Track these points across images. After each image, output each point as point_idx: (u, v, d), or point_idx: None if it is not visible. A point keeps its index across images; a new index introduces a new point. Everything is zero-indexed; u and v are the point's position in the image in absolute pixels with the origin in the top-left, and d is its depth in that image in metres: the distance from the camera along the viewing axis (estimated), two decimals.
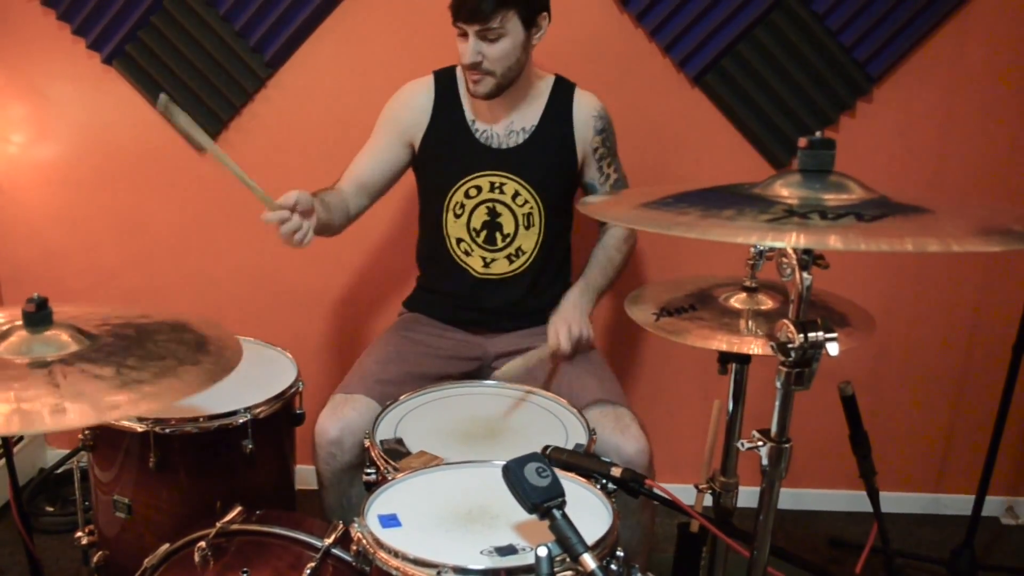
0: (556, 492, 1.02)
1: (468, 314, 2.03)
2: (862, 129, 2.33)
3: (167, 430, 1.63)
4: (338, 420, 1.76)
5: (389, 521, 1.21)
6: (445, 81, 1.97)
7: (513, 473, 1.03)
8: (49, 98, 2.39)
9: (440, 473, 1.41)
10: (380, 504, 1.28)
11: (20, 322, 1.15)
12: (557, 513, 1.01)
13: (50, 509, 2.50)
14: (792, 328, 0.98)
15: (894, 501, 2.63)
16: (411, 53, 2.24)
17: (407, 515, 1.25)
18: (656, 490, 1.24)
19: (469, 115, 1.95)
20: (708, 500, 1.46)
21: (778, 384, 1.03)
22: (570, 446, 1.55)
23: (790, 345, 0.99)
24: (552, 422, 1.65)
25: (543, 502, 1.02)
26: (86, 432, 1.71)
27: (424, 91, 1.97)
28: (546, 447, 1.35)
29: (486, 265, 1.98)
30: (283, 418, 1.81)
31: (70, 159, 2.45)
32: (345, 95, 2.34)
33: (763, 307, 1.39)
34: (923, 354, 2.53)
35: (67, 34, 2.31)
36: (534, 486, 1.02)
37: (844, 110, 2.32)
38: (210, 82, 2.32)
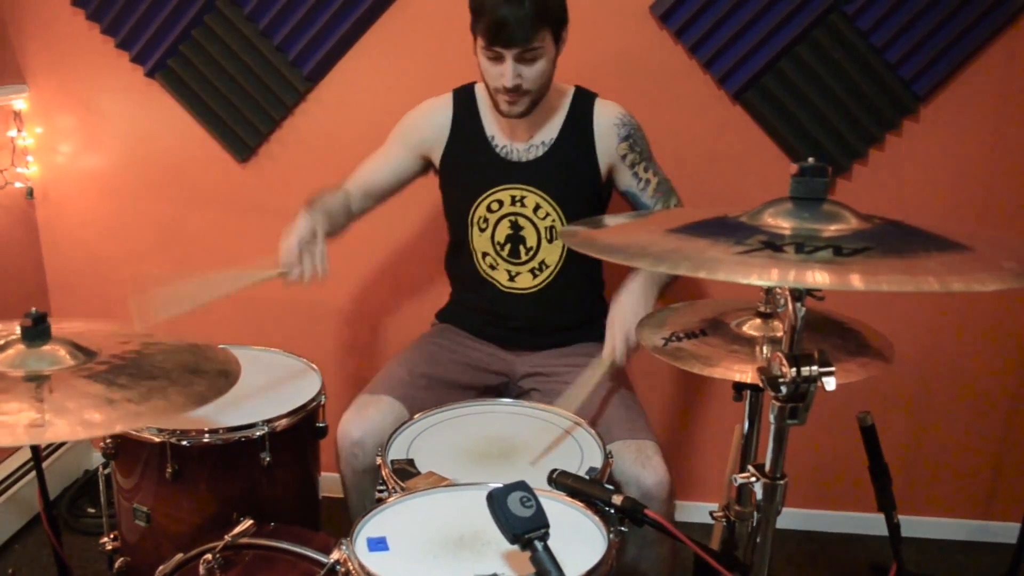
0: (539, 523, 1.00)
1: (495, 329, 2.02)
2: (908, 149, 2.25)
3: (184, 441, 1.64)
4: (361, 421, 1.76)
5: (377, 544, 1.19)
6: (464, 98, 1.96)
7: (496, 502, 1.00)
8: (94, 110, 2.46)
9: (439, 495, 1.38)
10: (372, 526, 1.26)
11: (16, 335, 1.16)
12: (539, 545, 0.98)
13: (91, 511, 2.56)
14: (784, 361, 0.94)
15: (940, 527, 2.56)
16: (448, 68, 2.23)
17: (397, 538, 1.23)
18: (656, 520, 1.20)
19: (488, 131, 1.94)
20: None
21: (771, 419, 0.99)
22: (583, 469, 1.51)
23: (781, 379, 0.94)
24: (568, 444, 1.62)
25: (524, 533, 0.99)
26: (107, 441, 1.73)
27: (443, 108, 1.96)
28: (553, 471, 1.32)
29: (511, 279, 1.97)
30: (304, 431, 1.81)
31: (114, 169, 2.51)
32: (383, 109, 2.33)
33: (779, 334, 1.33)
34: (972, 378, 2.43)
35: (111, 48, 2.37)
36: (516, 516, 0.99)
37: (889, 129, 2.24)
38: (250, 96, 2.36)
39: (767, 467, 1.02)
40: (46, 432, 0.95)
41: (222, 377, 1.16)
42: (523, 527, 0.99)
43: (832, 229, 0.99)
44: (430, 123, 1.97)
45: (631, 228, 1.21)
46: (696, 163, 2.31)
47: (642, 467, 1.68)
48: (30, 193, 2.50)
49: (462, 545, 1.22)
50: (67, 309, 2.66)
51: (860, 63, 2.18)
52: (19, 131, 2.43)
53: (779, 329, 1.34)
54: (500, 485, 1.04)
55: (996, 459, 2.51)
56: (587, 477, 1.34)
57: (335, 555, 1.20)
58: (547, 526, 1.00)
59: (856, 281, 0.84)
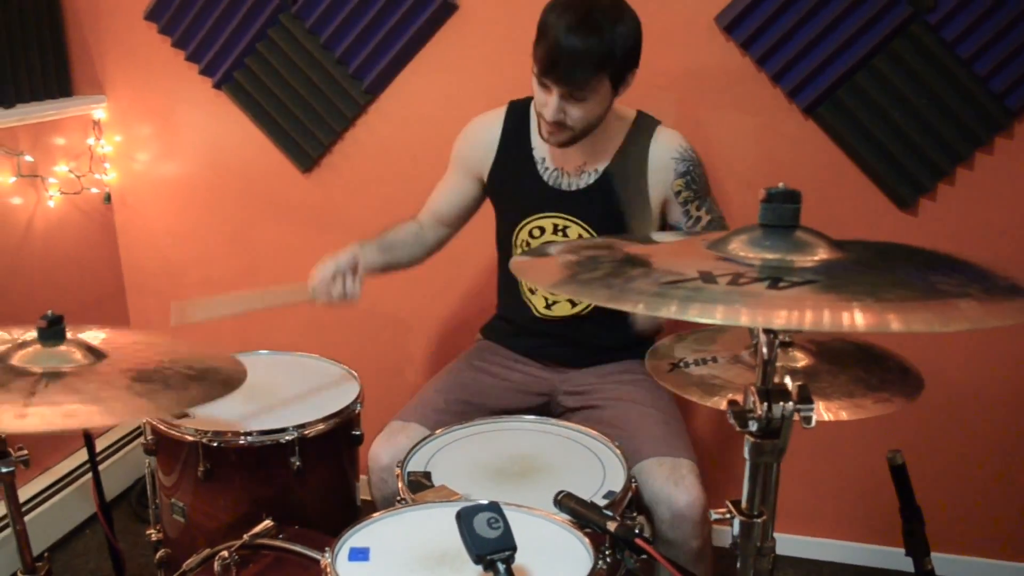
0: (504, 545, 0.96)
1: (536, 349, 1.97)
2: (1001, 167, 2.08)
3: (216, 443, 1.66)
4: (390, 448, 1.74)
5: (358, 555, 1.17)
6: (518, 113, 1.90)
7: (463, 521, 0.97)
8: (168, 120, 2.55)
9: (433, 510, 1.35)
10: (360, 536, 1.24)
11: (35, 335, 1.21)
12: (501, 567, 0.94)
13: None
14: (756, 396, 0.85)
15: (985, 568, 2.37)
16: (506, 82, 2.20)
17: (380, 551, 1.21)
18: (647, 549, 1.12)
19: (538, 152, 1.87)
20: None
21: (746, 454, 0.90)
22: (603, 491, 1.46)
23: (750, 415, 0.86)
24: (592, 464, 1.56)
25: (487, 554, 0.96)
26: (149, 438, 1.77)
27: (493, 125, 1.91)
28: (559, 492, 1.28)
29: (548, 307, 1.92)
30: (340, 437, 1.81)
31: (186, 177, 2.59)
32: (442, 122, 2.32)
33: (798, 364, 1.24)
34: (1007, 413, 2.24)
35: (181, 60, 2.45)
36: (481, 537, 0.96)
37: (979, 146, 2.08)
38: (312, 108, 2.39)
39: (743, 503, 0.93)
40: (27, 423, 0.97)
41: (215, 388, 1.16)
42: (487, 548, 0.97)
43: (790, 258, 0.94)
44: (478, 142, 1.94)
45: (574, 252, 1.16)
46: (765, 182, 2.16)
47: (675, 486, 1.60)
48: (107, 198, 2.61)
49: (443, 562, 1.19)
50: (143, 309, 2.76)
51: (945, 76, 2.03)
52: (98, 139, 2.54)
53: (797, 359, 1.25)
54: (472, 503, 1.00)
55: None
56: (590, 501, 1.28)
57: (322, 562, 1.18)
58: (513, 548, 0.97)
59: (778, 319, 0.79)
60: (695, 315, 0.81)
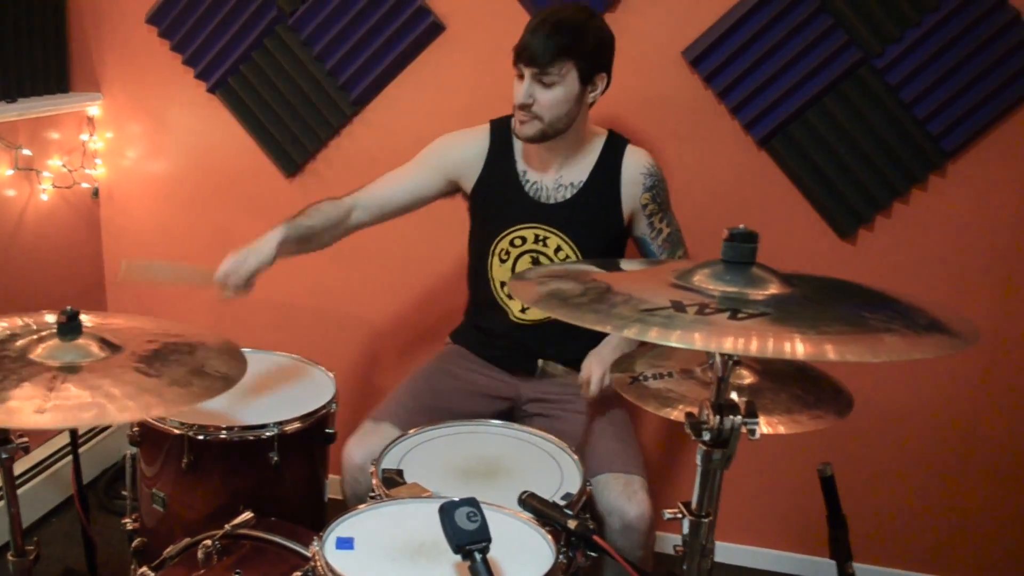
0: (481, 537, 1.08)
1: (503, 354, 2.10)
2: (934, 204, 2.26)
3: (201, 436, 1.77)
4: (363, 448, 1.86)
5: (344, 544, 1.30)
6: (501, 131, 2.04)
7: (446, 514, 1.10)
8: (160, 120, 2.65)
9: (413, 505, 1.47)
10: (346, 527, 1.37)
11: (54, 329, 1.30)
12: (477, 556, 1.07)
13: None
14: (710, 410, 1.00)
15: None
16: (489, 101, 2.33)
17: (364, 540, 1.34)
18: (603, 547, 1.27)
19: (520, 166, 2.01)
20: None
21: (698, 461, 1.05)
22: (561, 492, 1.60)
23: (705, 426, 1.01)
24: (551, 467, 1.70)
25: (466, 544, 1.08)
26: (135, 429, 1.87)
27: (480, 139, 2.04)
28: (523, 492, 1.41)
29: (523, 310, 2.05)
30: (314, 435, 1.92)
31: (174, 176, 2.69)
32: (425, 136, 2.42)
33: (744, 381, 1.39)
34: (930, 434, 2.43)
35: (178, 63, 2.56)
36: (461, 528, 1.08)
37: (915, 183, 2.25)
38: (300, 115, 2.51)
39: (693, 505, 1.08)
40: (45, 419, 1.08)
41: (218, 382, 1.27)
42: (466, 539, 1.08)
43: (750, 292, 1.06)
44: (466, 152, 2.05)
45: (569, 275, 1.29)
46: (720, 207, 2.37)
47: (627, 500, 1.75)
48: (95, 193, 2.71)
49: (421, 552, 1.32)
50: (122, 303, 2.86)
51: (888, 117, 2.20)
52: (91, 135, 2.63)
53: (743, 376, 1.40)
54: (455, 499, 1.13)
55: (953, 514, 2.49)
56: (552, 501, 1.42)
57: (311, 550, 1.31)
58: (488, 540, 1.09)
59: (727, 344, 0.92)
60: (675, 341, 0.94)
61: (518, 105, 1.87)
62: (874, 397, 2.36)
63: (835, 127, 2.24)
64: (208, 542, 1.54)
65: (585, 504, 1.62)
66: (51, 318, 1.36)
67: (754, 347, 0.93)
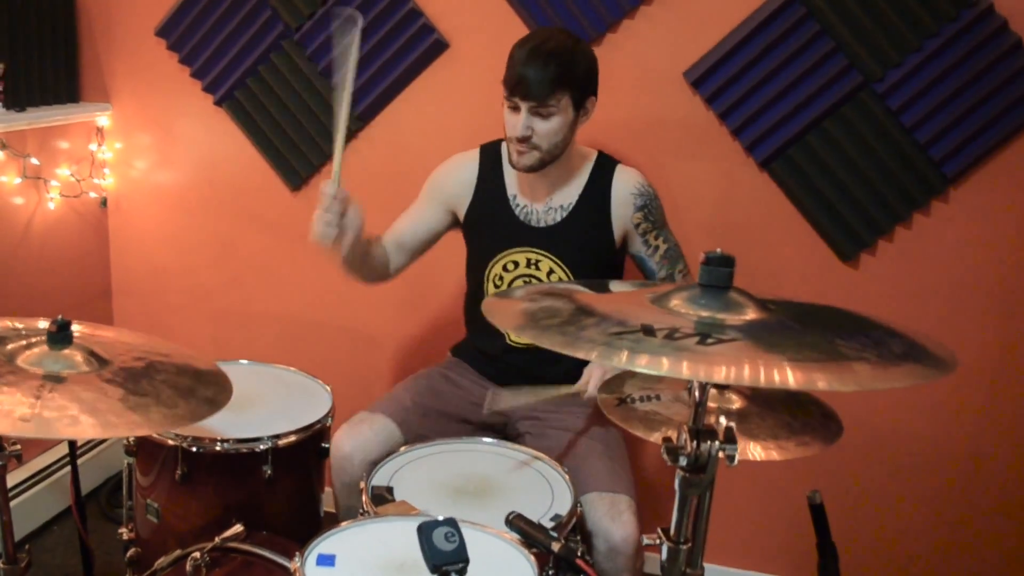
0: (459, 558, 1.09)
1: (499, 373, 2.11)
2: (936, 228, 2.25)
3: (195, 448, 1.79)
4: (352, 436, 1.87)
5: (325, 561, 1.31)
6: (491, 155, 2.06)
7: (424, 534, 1.10)
8: (168, 131, 2.68)
9: (397, 523, 1.47)
10: (328, 543, 1.38)
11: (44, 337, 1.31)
12: None
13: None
14: (687, 435, 1.00)
15: None
16: (492, 118, 2.34)
17: (346, 558, 1.34)
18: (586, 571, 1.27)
19: (511, 190, 2.03)
20: None
21: (676, 486, 1.05)
22: (551, 514, 1.60)
23: (682, 451, 1.01)
24: (542, 488, 1.70)
25: (442, 564, 1.08)
26: (130, 440, 1.89)
27: (469, 165, 2.07)
28: (510, 513, 1.41)
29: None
30: (309, 449, 1.94)
31: (181, 187, 2.72)
32: (427, 152, 2.47)
33: (732, 406, 1.39)
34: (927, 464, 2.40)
35: (187, 76, 2.59)
36: (439, 549, 1.09)
37: (916, 208, 2.25)
38: (305, 130, 2.54)
39: (672, 531, 1.08)
40: (28, 426, 1.09)
41: (203, 407, 1.28)
42: (442, 559, 1.09)
43: (724, 317, 1.06)
44: (458, 178, 2.08)
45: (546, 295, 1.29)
46: (721, 228, 2.37)
47: (612, 521, 1.73)
48: (104, 203, 2.74)
49: (402, 571, 1.32)
50: (128, 312, 2.89)
51: (889, 141, 2.20)
52: (99, 145, 2.67)
53: (732, 401, 1.40)
54: (435, 518, 1.14)
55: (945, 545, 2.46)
56: (538, 523, 1.42)
57: (292, 565, 1.31)
58: (466, 561, 1.09)
59: (684, 369, 0.92)
60: (642, 366, 0.94)
61: (517, 138, 1.87)
62: (869, 421, 2.35)
63: (836, 150, 2.24)
64: (197, 555, 1.55)
65: (575, 526, 1.62)
66: (43, 324, 1.37)
67: (721, 375, 0.93)
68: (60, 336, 1.29)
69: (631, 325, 1.02)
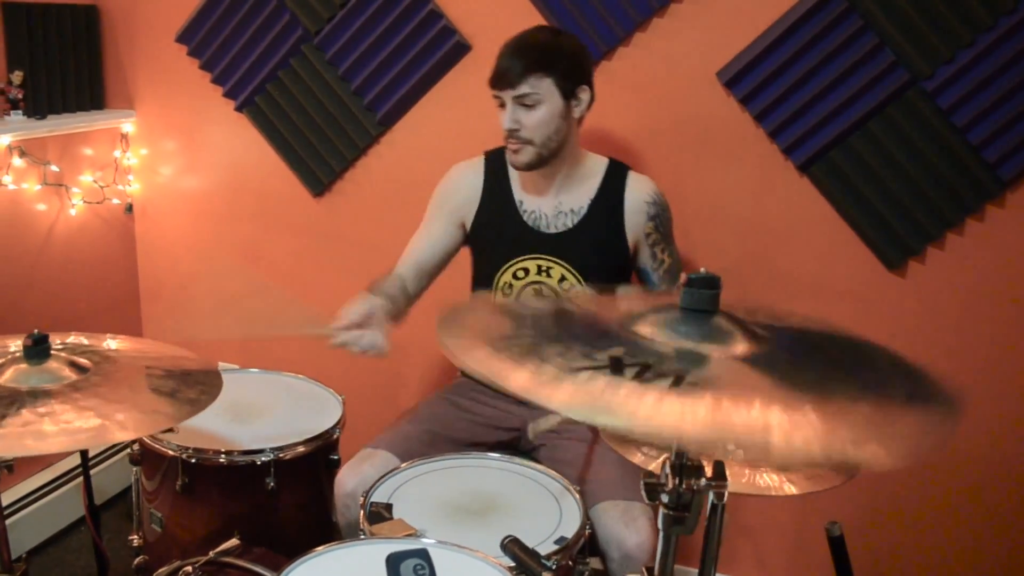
0: None
1: None
2: (991, 234, 2.09)
3: (194, 459, 1.73)
4: (355, 475, 1.79)
5: None
6: (495, 161, 1.99)
7: (391, 566, 1.01)
8: (191, 137, 2.66)
9: (380, 547, 1.37)
10: (304, 569, 1.29)
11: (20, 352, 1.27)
12: None
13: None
14: (669, 470, 0.89)
15: None
16: None
17: None
18: None
19: (517, 195, 1.96)
20: None
21: (659, 524, 0.94)
22: (555, 536, 1.50)
23: (662, 487, 0.89)
24: (550, 507, 1.60)
25: None
26: (135, 448, 1.85)
27: (473, 172, 2.00)
28: (506, 537, 1.32)
29: None
30: (318, 461, 1.87)
31: (205, 192, 2.70)
32: (450, 156, 2.38)
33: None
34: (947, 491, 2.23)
35: (207, 82, 2.57)
36: None
37: (969, 213, 2.09)
38: (326, 135, 2.49)
39: (656, 570, 0.96)
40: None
41: (184, 409, 1.22)
42: None
43: (702, 349, 0.93)
44: (462, 188, 2.01)
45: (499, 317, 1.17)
46: (758, 235, 2.24)
47: (625, 527, 1.64)
48: (129, 208, 2.73)
49: None
50: (155, 316, 2.87)
51: (939, 143, 2.05)
52: (124, 152, 2.66)
53: None
54: (405, 548, 1.05)
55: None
56: (533, 549, 1.32)
57: None
58: None
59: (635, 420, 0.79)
60: (601, 420, 0.83)
61: (506, 132, 1.84)
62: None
63: (881, 153, 2.09)
64: (189, 568, 1.49)
65: (583, 546, 1.52)
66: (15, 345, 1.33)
67: (688, 428, 0.79)
68: (36, 351, 1.24)
69: (598, 359, 0.88)
